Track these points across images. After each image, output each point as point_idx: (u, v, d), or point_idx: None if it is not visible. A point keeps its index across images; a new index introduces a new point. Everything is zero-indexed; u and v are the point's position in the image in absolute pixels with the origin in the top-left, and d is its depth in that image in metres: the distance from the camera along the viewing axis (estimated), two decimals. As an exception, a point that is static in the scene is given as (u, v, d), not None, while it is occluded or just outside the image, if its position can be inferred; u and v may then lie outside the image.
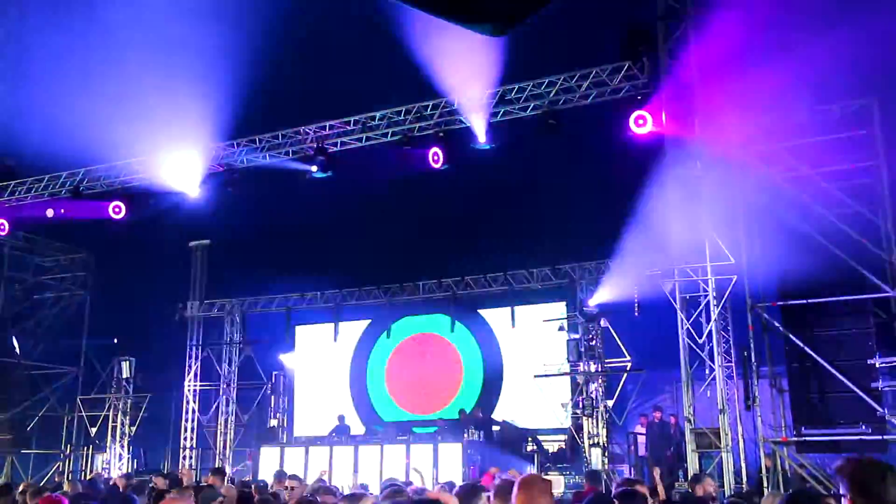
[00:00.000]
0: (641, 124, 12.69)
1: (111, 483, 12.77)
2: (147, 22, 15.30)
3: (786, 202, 12.54)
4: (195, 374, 21.02)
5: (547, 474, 14.72)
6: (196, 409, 20.76)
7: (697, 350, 12.72)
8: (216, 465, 19.69)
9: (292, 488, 9.02)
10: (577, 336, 16.91)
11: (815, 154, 12.51)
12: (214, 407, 20.64)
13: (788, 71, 11.51)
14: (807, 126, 12.46)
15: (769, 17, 11.23)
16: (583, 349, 16.43)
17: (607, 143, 14.35)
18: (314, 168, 15.21)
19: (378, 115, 15.13)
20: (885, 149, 12.20)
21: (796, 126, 12.51)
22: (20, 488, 9.45)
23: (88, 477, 18.44)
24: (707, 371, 12.79)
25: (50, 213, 17.18)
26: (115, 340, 20.28)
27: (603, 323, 16.63)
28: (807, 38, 11.15)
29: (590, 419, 16.17)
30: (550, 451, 17.04)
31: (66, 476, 20.07)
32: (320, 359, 21.92)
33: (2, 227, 18.03)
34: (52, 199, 17.59)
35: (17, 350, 20.62)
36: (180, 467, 19.84)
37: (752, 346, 12.58)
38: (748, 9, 11.58)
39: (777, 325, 12.46)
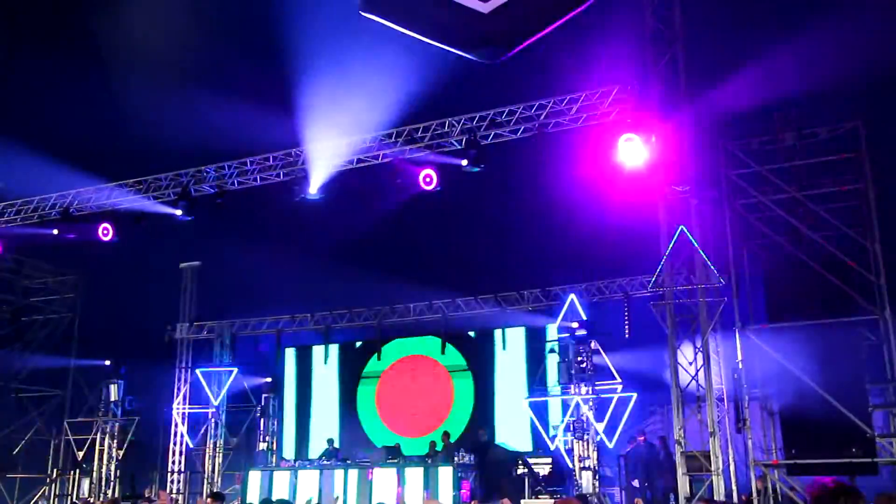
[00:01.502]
0: (630, 147, 12.77)
1: None
2: (138, 39, 15.37)
3: (775, 224, 12.63)
4: (184, 397, 20.85)
5: (537, 498, 14.67)
6: (184, 432, 20.58)
7: (688, 372, 12.74)
8: (205, 489, 19.52)
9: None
10: (567, 358, 16.89)
11: (803, 177, 12.63)
12: (203, 430, 20.47)
13: (777, 94, 11.64)
14: (795, 149, 12.57)
15: (757, 42, 11.36)
16: (573, 371, 16.40)
17: (597, 166, 14.42)
18: (313, 190, 15.23)
19: (370, 137, 15.18)
20: (872, 171, 12.31)
21: (784, 149, 12.63)
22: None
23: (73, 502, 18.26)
24: (698, 393, 12.80)
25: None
26: (108, 363, 20.13)
27: (593, 345, 16.62)
28: (795, 63, 11.29)
29: (580, 442, 16.13)
30: (541, 473, 16.96)
31: (51, 500, 19.87)
32: (310, 381, 21.81)
33: (-4, 248, 17.95)
34: (41, 221, 17.53)
35: (5, 372, 20.46)
36: (168, 491, 19.67)
37: (741, 368, 12.60)
38: (736, 33, 11.73)
39: (767, 347, 12.49)
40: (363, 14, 2.77)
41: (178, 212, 16.03)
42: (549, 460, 16.65)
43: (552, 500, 14.72)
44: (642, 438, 16.19)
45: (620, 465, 16.63)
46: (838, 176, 12.65)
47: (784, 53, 11.54)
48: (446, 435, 17.38)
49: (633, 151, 12.58)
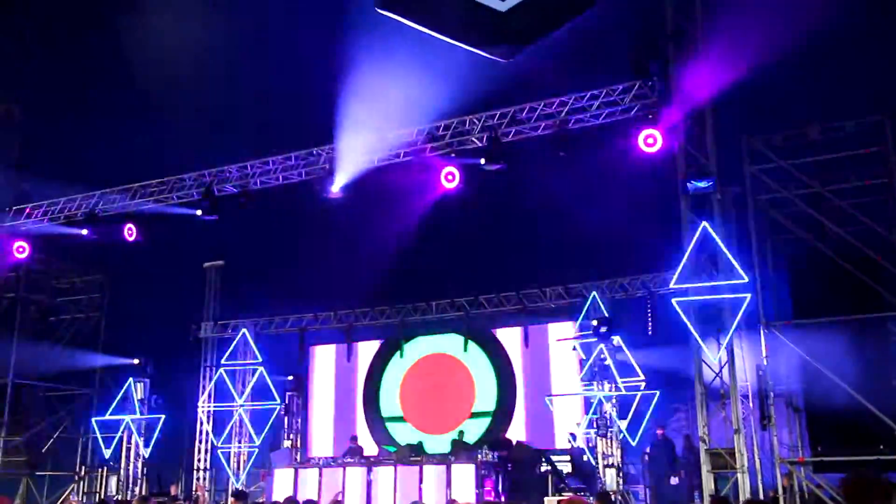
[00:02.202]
0: (651, 143, 12.72)
1: None
2: (160, 40, 15.50)
3: (799, 220, 12.52)
4: (209, 395, 21.03)
5: (561, 496, 14.63)
6: (210, 430, 20.76)
7: (712, 369, 12.65)
8: (230, 487, 19.69)
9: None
10: (590, 355, 16.84)
11: (828, 171, 12.49)
12: (228, 428, 20.63)
13: (800, 88, 11.54)
14: (819, 143, 12.44)
15: (779, 36, 11.25)
16: (596, 369, 16.35)
17: (619, 162, 14.37)
18: (335, 189, 15.31)
19: (391, 135, 15.21)
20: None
21: (808, 144, 12.50)
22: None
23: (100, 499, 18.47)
24: (722, 391, 12.71)
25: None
26: (134, 362, 20.31)
27: (616, 342, 16.56)
28: (818, 57, 11.18)
29: (604, 440, 16.08)
30: (565, 471, 16.93)
31: (80, 497, 20.11)
32: (334, 379, 21.92)
33: (21, 249, 18.22)
34: (67, 222, 17.78)
35: (33, 371, 20.72)
36: (194, 486, 19.86)
37: (766, 364, 12.50)
38: (758, 27, 11.62)
39: (792, 343, 12.38)
40: (379, 11, 2.79)
41: (199, 212, 16.19)
42: (567, 458, 16.61)
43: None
44: (660, 432, 16.13)
45: (644, 463, 16.56)
46: (863, 170, 12.49)
47: (808, 47, 11.43)
48: (461, 434, 17.40)
49: (653, 147, 12.54)
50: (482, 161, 13.96)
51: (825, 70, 11.46)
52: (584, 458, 16.81)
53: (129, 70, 16.28)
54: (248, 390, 20.45)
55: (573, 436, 16.88)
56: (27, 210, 18.21)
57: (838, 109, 12.35)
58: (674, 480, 15.83)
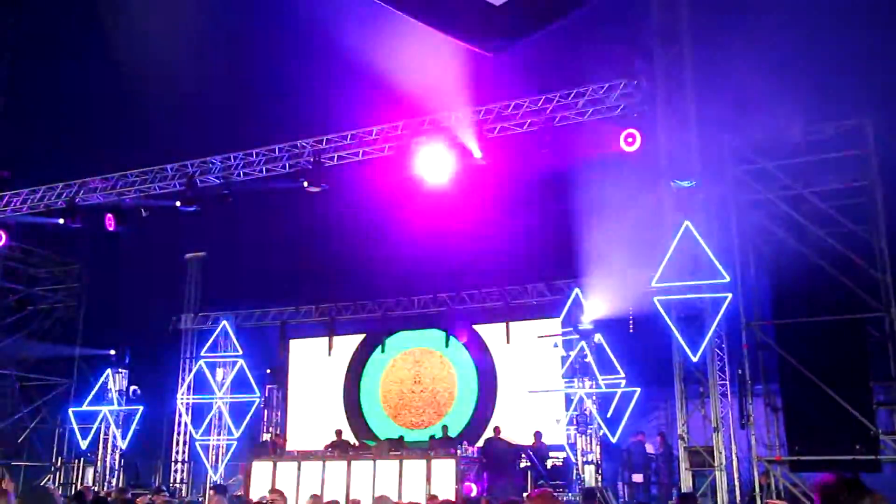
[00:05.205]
0: (630, 142, 12.79)
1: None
2: (146, 32, 15.39)
3: (780, 221, 12.59)
4: (188, 387, 20.92)
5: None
6: (188, 422, 20.65)
7: (692, 368, 12.73)
8: (208, 480, 19.59)
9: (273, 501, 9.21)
10: (571, 353, 16.88)
11: (809, 173, 12.57)
12: (207, 420, 20.54)
13: (783, 91, 11.60)
14: (801, 145, 12.52)
15: (765, 38, 11.32)
16: (577, 366, 16.40)
17: (602, 160, 14.41)
18: (305, 183, 15.26)
19: (375, 129, 15.18)
20: (879, 168, 12.26)
21: (791, 145, 12.58)
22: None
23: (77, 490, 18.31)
24: (701, 389, 12.79)
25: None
26: (112, 352, 20.17)
27: (597, 340, 16.60)
28: (803, 59, 11.25)
29: (583, 437, 16.13)
30: (554, 465, 16.96)
31: (56, 488, 19.94)
32: (314, 373, 21.84)
33: (-1, 237, 18.02)
34: (47, 210, 17.61)
35: (10, 361, 20.54)
36: (171, 481, 19.77)
37: (746, 364, 12.58)
38: (744, 29, 11.69)
39: (772, 343, 12.47)
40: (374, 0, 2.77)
41: (178, 203, 16.09)
42: (557, 454, 16.65)
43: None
44: (640, 438, 16.22)
45: (623, 460, 16.63)
46: (844, 173, 12.58)
47: (793, 50, 11.50)
48: (445, 428, 17.39)
49: (633, 146, 12.63)
50: (478, 154, 13.97)
51: (808, 72, 11.50)
52: (564, 455, 16.86)
53: (113, 59, 16.14)
54: (227, 383, 20.36)
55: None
56: (5, 198, 18.01)
57: (820, 112, 12.42)
58: (637, 478, 15.94)
